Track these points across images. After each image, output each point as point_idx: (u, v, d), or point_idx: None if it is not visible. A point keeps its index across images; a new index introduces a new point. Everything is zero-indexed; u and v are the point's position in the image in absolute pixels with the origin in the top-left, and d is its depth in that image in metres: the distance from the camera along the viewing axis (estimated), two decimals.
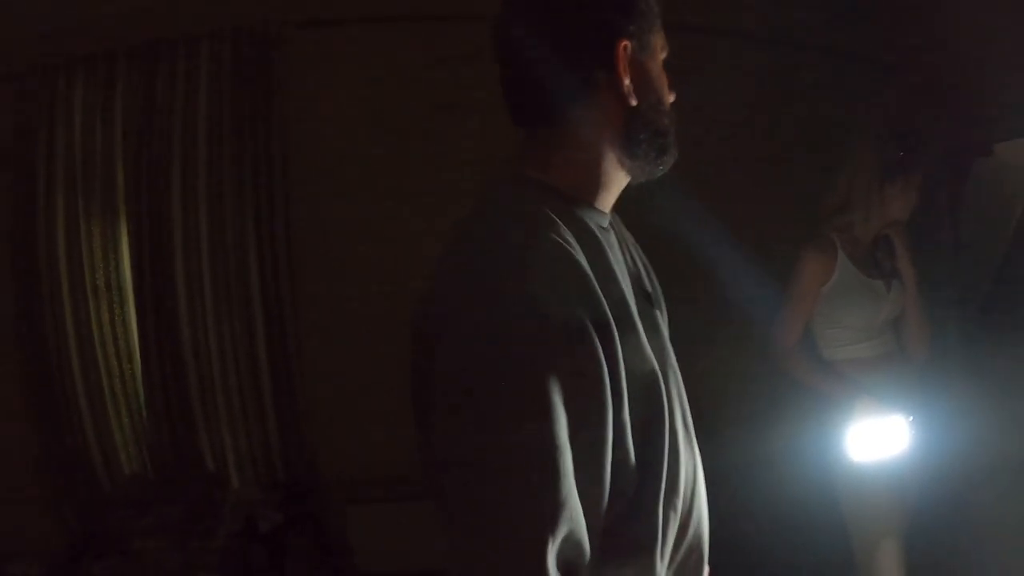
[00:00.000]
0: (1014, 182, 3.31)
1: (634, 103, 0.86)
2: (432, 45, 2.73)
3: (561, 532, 0.72)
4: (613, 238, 0.92)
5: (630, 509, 0.82)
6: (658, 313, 0.94)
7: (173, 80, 2.89)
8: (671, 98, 0.91)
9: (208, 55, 2.86)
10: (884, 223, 1.91)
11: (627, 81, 0.85)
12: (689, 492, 0.91)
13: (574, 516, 0.74)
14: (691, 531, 0.91)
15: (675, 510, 0.87)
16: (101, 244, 2.97)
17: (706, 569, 0.96)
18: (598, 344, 0.76)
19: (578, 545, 0.75)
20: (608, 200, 0.92)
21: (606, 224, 0.91)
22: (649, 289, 0.95)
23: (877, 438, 1.79)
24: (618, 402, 0.78)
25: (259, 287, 2.87)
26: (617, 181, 0.91)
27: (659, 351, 0.87)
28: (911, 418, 1.80)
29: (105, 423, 3.03)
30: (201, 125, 2.85)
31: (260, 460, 2.97)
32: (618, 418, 0.78)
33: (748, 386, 2.50)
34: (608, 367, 0.76)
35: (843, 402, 1.83)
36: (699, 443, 0.95)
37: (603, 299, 0.79)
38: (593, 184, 0.89)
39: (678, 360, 0.94)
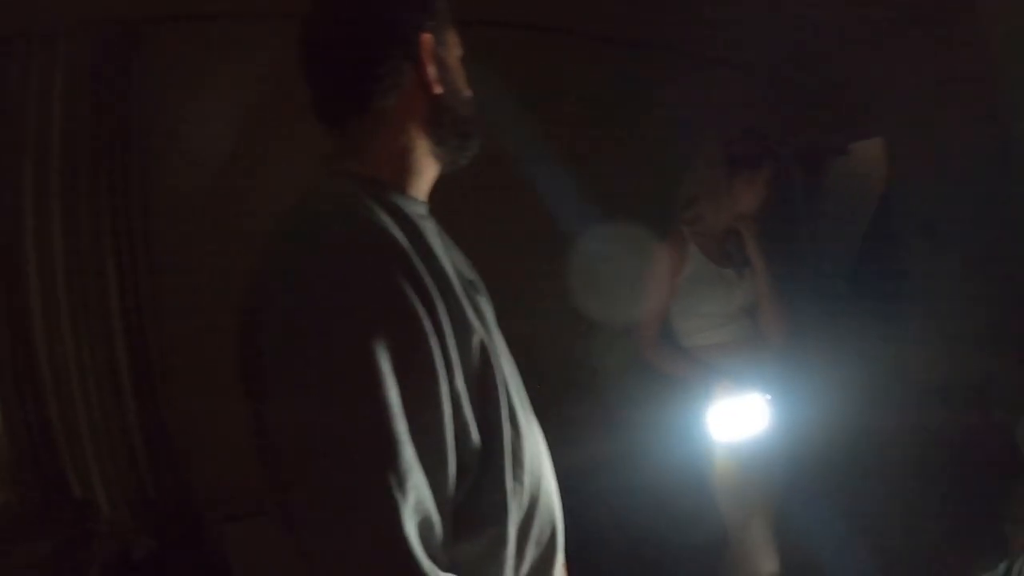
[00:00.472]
0: (868, 179, 3.57)
1: (438, 91, 0.92)
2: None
3: (411, 500, 0.73)
4: (432, 225, 0.95)
5: (477, 483, 0.84)
6: (482, 299, 0.97)
7: (26, 79, 2.68)
8: (469, 92, 0.98)
9: (64, 52, 2.67)
10: (733, 216, 1.98)
11: (431, 70, 0.91)
12: (536, 467, 0.93)
13: (420, 486, 0.75)
14: (542, 505, 0.93)
15: (522, 484, 0.89)
16: None
17: (561, 545, 0.97)
18: (422, 314, 0.78)
19: (428, 520, 0.76)
20: (422, 188, 0.96)
21: (424, 212, 0.94)
22: (471, 278, 0.99)
23: (737, 418, 1.84)
24: (450, 372, 0.80)
25: (118, 298, 2.68)
26: (428, 168, 0.95)
27: (486, 333, 0.90)
28: (768, 397, 1.86)
29: None
30: (56, 126, 2.65)
31: (129, 482, 2.77)
32: (452, 388, 0.80)
33: (615, 375, 2.53)
34: (436, 337, 0.78)
35: (703, 387, 1.89)
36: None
37: (424, 274, 0.81)
38: (406, 172, 0.93)
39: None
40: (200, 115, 2.65)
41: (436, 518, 0.77)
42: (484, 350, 0.86)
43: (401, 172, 0.92)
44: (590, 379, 2.50)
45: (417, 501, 0.74)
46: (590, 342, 2.52)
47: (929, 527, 2.59)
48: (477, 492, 0.84)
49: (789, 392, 1.93)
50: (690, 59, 3.05)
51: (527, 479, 0.90)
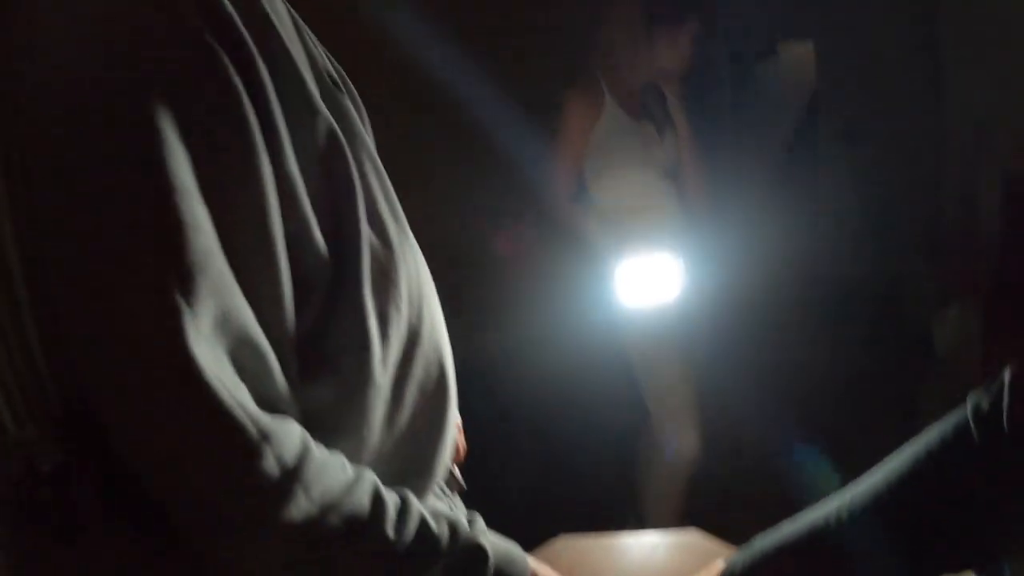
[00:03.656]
0: (795, 81, 3.48)
1: None
2: None
3: (205, 308, 0.53)
4: (282, 6, 0.73)
5: (330, 306, 0.64)
6: (348, 102, 0.76)
7: None
8: None
9: None
10: (652, 71, 1.84)
11: None
12: (416, 293, 0.74)
13: (224, 292, 0.55)
14: (425, 339, 0.74)
15: (397, 309, 0.69)
16: None
17: (453, 391, 0.79)
18: (232, 72, 0.57)
19: (251, 344, 0.57)
20: None
21: None
22: (336, 77, 0.78)
23: (648, 280, 1.72)
24: (275, 150, 0.60)
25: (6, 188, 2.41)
26: None
27: (349, 136, 0.70)
28: (680, 260, 1.74)
29: None
30: None
31: (32, 394, 2.55)
32: (281, 172, 0.60)
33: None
34: (252, 102, 0.58)
35: (614, 248, 1.76)
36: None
37: (241, 26, 0.61)
38: None
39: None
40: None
41: (266, 346, 0.57)
42: (334, 139, 0.67)
43: None
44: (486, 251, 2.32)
45: (220, 314, 0.54)
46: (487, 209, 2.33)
47: (847, 393, 2.56)
48: (328, 317, 0.64)
49: (706, 259, 1.81)
50: None
51: (404, 305, 0.71)
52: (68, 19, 0.57)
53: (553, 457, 2.21)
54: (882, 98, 3.03)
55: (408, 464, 0.73)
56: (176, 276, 0.53)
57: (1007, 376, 0.72)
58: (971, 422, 0.71)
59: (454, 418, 0.80)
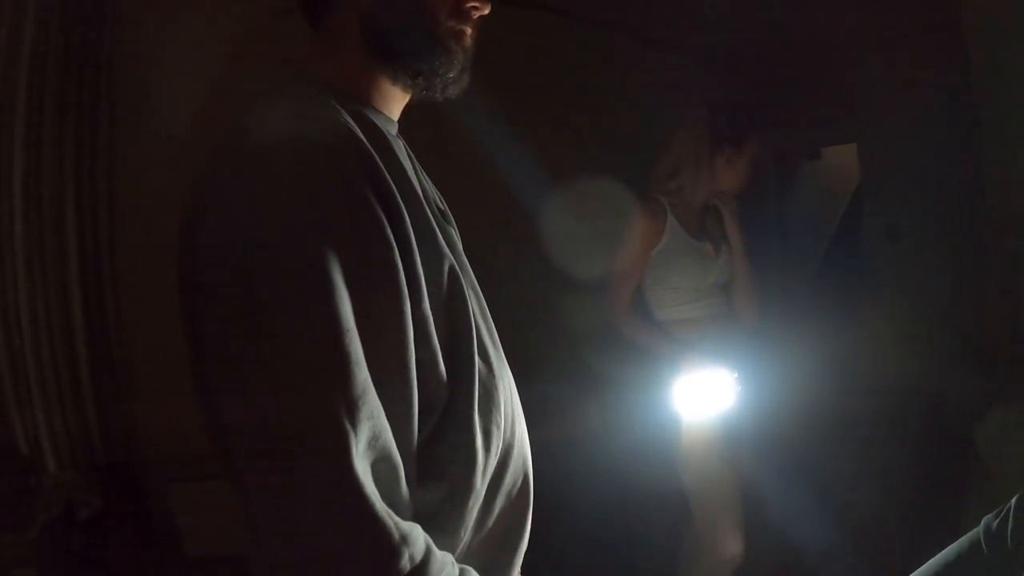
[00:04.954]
0: (839, 184, 3.54)
1: (366, 10, 0.76)
2: None
3: (364, 432, 0.61)
4: (402, 146, 0.82)
5: (443, 423, 0.72)
6: (452, 231, 0.84)
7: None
8: (433, 18, 0.77)
9: None
10: (713, 192, 1.91)
11: None
12: (510, 411, 0.81)
13: (377, 418, 0.62)
14: (515, 453, 0.81)
15: (498, 427, 0.77)
16: None
17: (531, 498, 0.85)
18: (386, 224, 0.66)
19: (389, 460, 0.64)
20: (390, 107, 0.82)
21: (394, 132, 0.82)
22: (442, 207, 0.86)
23: (703, 394, 1.75)
24: (415, 293, 0.68)
25: (76, 246, 2.51)
26: (391, 90, 0.80)
27: (462, 269, 0.79)
28: (736, 374, 1.78)
29: None
30: (23, 65, 2.48)
31: (77, 440, 2.59)
32: (418, 311, 0.68)
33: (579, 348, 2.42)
34: (400, 251, 0.66)
35: (671, 360, 1.80)
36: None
37: (391, 182, 0.69)
38: (367, 87, 0.79)
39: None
40: (175, 59, 2.49)
41: (398, 459, 0.65)
42: (454, 277, 0.74)
43: (362, 86, 0.79)
44: (556, 354, 2.39)
45: (373, 435, 0.62)
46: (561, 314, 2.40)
47: (895, 503, 2.54)
48: (442, 432, 0.72)
49: (757, 371, 1.85)
50: (664, 46, 2.97)
51: (502, 422, 0.78)
52: (249, 183, 0.64)
53: (598, 554, 2.21)
54: (924, 198, 3.07)
55: (489, 562, 0.79)
56: (344, 404, 0.60)
57: (1013, 502, 0.90)
58: (982, 538, 0.91)
59: (530, 521, 0.86)
